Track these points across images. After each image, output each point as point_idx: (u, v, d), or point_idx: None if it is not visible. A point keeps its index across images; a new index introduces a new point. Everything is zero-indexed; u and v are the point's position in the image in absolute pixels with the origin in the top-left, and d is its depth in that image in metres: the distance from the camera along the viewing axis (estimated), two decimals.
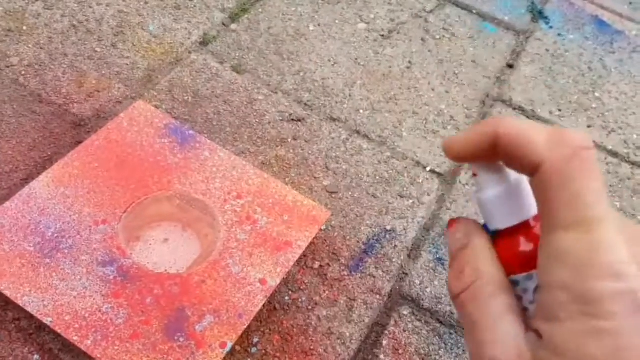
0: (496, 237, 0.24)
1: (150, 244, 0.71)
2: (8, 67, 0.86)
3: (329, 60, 1.00)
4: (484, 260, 0.23)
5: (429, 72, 1.01)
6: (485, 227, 0.25)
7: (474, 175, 0.25)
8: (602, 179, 0.20)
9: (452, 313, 0.73)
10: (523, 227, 0.23)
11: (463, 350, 0.70)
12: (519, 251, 0.23)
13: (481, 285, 0.23)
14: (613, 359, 0.18)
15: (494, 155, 0.23)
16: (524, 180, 0.24)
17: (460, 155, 0.24)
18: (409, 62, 1.03)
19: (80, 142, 0.78)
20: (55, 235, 0.66)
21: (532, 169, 0.22)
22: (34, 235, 0.65)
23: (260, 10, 1.06)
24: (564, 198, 0.20)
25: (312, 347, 0.67)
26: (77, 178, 0.70)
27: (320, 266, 0.74)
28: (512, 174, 0.24)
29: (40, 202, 0.68)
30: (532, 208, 0.23)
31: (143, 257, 0.69)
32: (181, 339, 0.61)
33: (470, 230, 0.25)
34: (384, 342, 0.69)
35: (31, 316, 0.61)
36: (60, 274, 0.63)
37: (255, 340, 0.67)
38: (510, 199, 0.23)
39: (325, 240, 0.77)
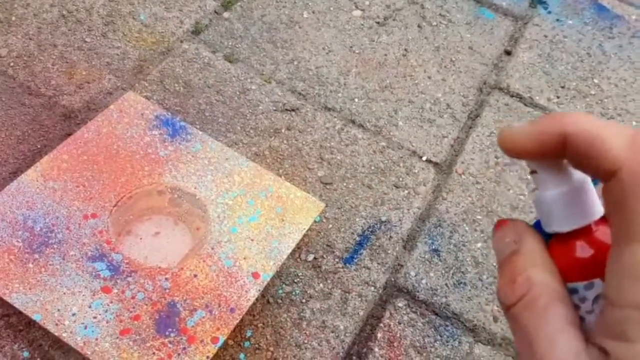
0: (553, 240, 0.22)
1: (141, 238, 0.70)
2: None
3: (324, 49, 0.98)
4: (538, 267, 0.21)
5: (425, 60, 1.00)
6: (537, 227, 0.23)
7: (533, 172, 0.23)
8: None
9: (447, 305, 0.72)
10: (584, 231, 0.21)
11: (459, 342, 0.69)
12: (578, 257, 0.21)
13: (536, 295, 0.21)
14: None
15: (559, 154, 0.21)
16: (588, 180, 0.22)
17: (521, 152, 0.22)
18: (405, 49, 1.01)
19: (70, 134, 0.77)
20: (44, 230, 0.65)
21: (606, 175, 0.20)
22: (22, 230, 0.64)
23: None
24: None
25: (305, 341, 0.67)
26: (66, 171, 0.69)
27: (315, 258, 0.73)
28: (576, 173, 0.22)
29: (29, 196, 0.66)
30: (595, 211, 0.22)
31: (134, 251, 0.68)
32: (172, 334, 0.60)
33: (522, 232, 0.23)
34: (379, 335, 0.68)
35: (21, 312, 0.61)
36: (49, 269, 0.62)
37: (249, 334, 0.66)
38: (573, 200, 0.21)
39: (319, 232, 0.76)
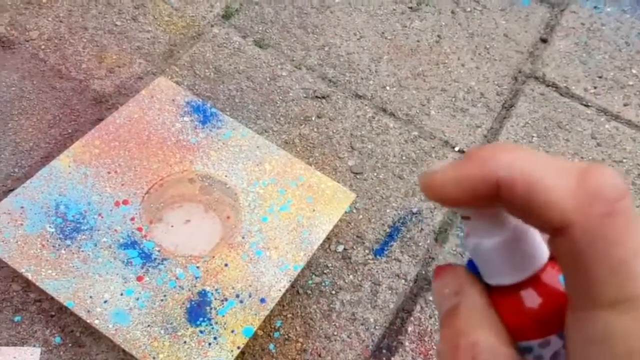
0: (495, 291, 0.20)
1: (172, 226, 0.69)
2: (27, 41, 0.84)
3: (355, 34, 0.96)
4: (484, 329, 0.19)
5: (459, 47, 0.98)
6: (471, 269, 0.20)
7: (465, 218, 0.19)
8: None
9: None
10: (531, 280, 0.19)
11: None
12: (528, 310, 0.19)
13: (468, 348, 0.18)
14: None
15: (492, 201, 0.18)
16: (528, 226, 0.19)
17: (447, 201, 0.19)
18: (438, 36, 0.99)
19: (101, 119, 0.77)
20: (76, 216, 0.65)
21: (553, 231, 0.17)
22: (54, 215, 0.64)
23: None
24: (605, 269, 0.16)
25: (335, 333, 0.66)
26: (97, 157, 0.69)
27: (345, 249, 0.73)
28: (513, 218, 0.19)
29: (61, 182, 0.66)
30: (540, 257, 0.19)
31: (165, 238, 0.68)
32: (203, 324, 0.60)
33: (463, 283, 0.20)
34: (409, 329, 0.68)
35: (52, 298, 0.61)
36: (82, 256, 0.62)
37: (278, 324, 0.66)
38: (514, 249, 0.19)
39: (350, 223, 0.75)
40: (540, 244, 0.19)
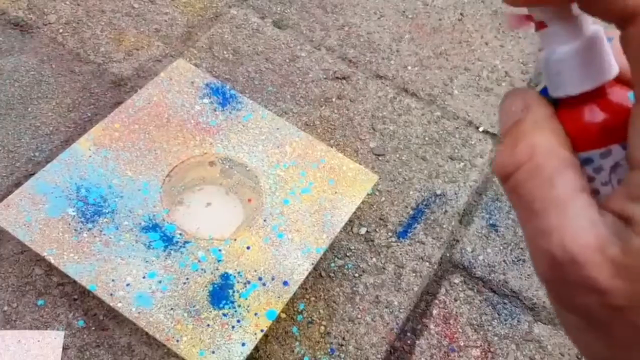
0: (561, 106, 0.19)
1: (193, 208, 0.69)
2: (46, 25, 0.84)
3: (375, 13, 0.94)
4: (545, 132, 0.18)
5: (482, 25, 0.95)
6: (545, 94, 0.20)
7: (540, 26, 0.19)
8: None
9: (506, 282, 0.69)
10: (597, 94, 0.19)
11: (518, 321, 0.67)
12: (591, 122, 0.19)
13: (542, 162, 0.18)
14: None
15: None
16: (601, 34, 0.19)
17: None
18: (461, 13, 0.96)
19: (120, 102, 0.76)
20: (97, 199, 0.64)
21: (624, 18, 0.17)
22: (76, 199, 0.64)
23: None
24: None
25: (359, 316, 0.65)
26: (118, 140, 0.69)
27: (367, 232, 0.72)
28: (588, 26, 0.19)
29: (82, 165, 0.66)
30: (610, 70, 0.19)
31: (186, 221, 0.67)
32: (226, 307, 0.59)
33: (530, 101, 0.20)
34: (434, 312, 0.66)
35: (75, 281, 0.61)
36: (103, 239, 0.62)
37: (301, 307, 0.65)
38: (586, 57, 0.18)
39: (372, 205, 0.74)
40: (611, 59, 0.19)
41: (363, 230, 0.72)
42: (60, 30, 0.84)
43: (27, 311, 0.61)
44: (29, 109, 0.75)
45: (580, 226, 0.17)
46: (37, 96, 0.76)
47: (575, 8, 0.18)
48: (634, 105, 0.17)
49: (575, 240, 0.16)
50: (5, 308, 0.61)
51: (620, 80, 0.19)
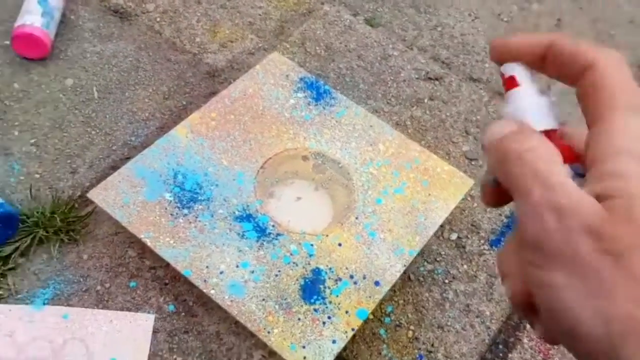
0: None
1: (284, 201, 0.68)
2: (144, 13, 0.85)
3: (469, 15, 0.92)
4: (540, 139, 0.22)
5: (580, 32, 0.91)
6: None
7: (512, 83, 0.25)
8: None
9: None
10: (553, 134, 0.24)
11: None
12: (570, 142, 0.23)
13: (529, 132, 0.22)
14: None
15: (538, 62, 0.24)
16: (549, 94, 0.25)
17: (511, 50, 0.24)
18: (558, 19, 0.93)
19: (213, 93, 0.77)
20: (194, 186, 0.65)
21: (581, 70, 0.22)
22: (173, 184, 0.64)
23: None
24: (627, 84, 0.21)
25: (448, 323, 0.63)
26: (214, 129, 0.69)
27: (459, 238, 0.69)
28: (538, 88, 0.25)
29: (179, 152, 0.67)
30: (556, 119, 0.24)
31: (278, 214, 0.67)
32: (317, 302, 0.58)
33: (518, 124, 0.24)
34: (528, 325, 0.64)
35: (167, 265, 0.61)
36: (199, 226, 0.62)
37: (389, 309, 0.64)
38: (551, 105, 0.24)
39: (464, 211, 0.71)
40: (556, 111, 0.25)
41: (454, 236, 0.69)
42: (158, 19, 0.85)
43: (120, 292, 0.62)
44: (126, 94, 0.76)
45: (568, 185, 0.20)
46: (135, 82, 0.78)
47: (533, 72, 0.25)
48: (591, 127, 0.22)
49: (580, 193, 0.19)
50: (99, 287, 0.62)
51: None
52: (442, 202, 0.66)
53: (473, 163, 0.75)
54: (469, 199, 0.72)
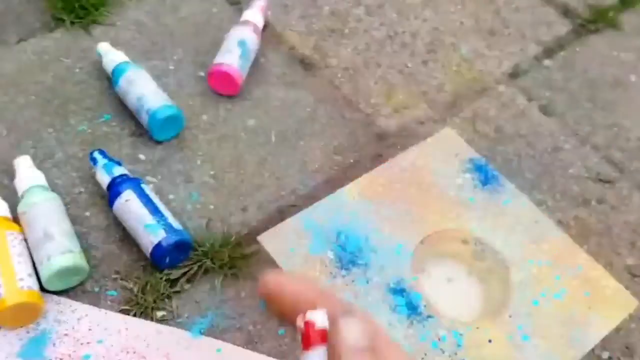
0: None
1: (434, 280, 0.69)
2: (327, 67, 0.90)
3: None
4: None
5: None
6: None
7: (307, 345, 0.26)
8: None
9: None
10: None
11: None
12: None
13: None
14: None
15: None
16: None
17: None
18: None
19: (379, 155, 0.79)
20: (354, 248, 0.66)
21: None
22: (335, 243, 0.67)
23: (578, 49, 0.98)
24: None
25: None
26: (381, 195, 0.71)
27: (609, 358, 0.66)
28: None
29: (345, 212, 0.69)
30: None
31: (430, 293, 0.67)
32: None
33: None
34: None
35: None
36: (354, 289, 0.64)
37: None
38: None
39: (620, 330, 0.68)
40: None
41: (605, 355, 0.66)
42: (339, 75, 0.89)
43: (270, 337, 0.64)
44: (300, 143, 0.80)
45: None
46: (310, 133, 0.82)
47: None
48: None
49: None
50: (250, 327, 0.65)
51: None
52: (602, 318, 0.64)
53: (636, 279, 0.72)
54: (627, 317, 0.69)
